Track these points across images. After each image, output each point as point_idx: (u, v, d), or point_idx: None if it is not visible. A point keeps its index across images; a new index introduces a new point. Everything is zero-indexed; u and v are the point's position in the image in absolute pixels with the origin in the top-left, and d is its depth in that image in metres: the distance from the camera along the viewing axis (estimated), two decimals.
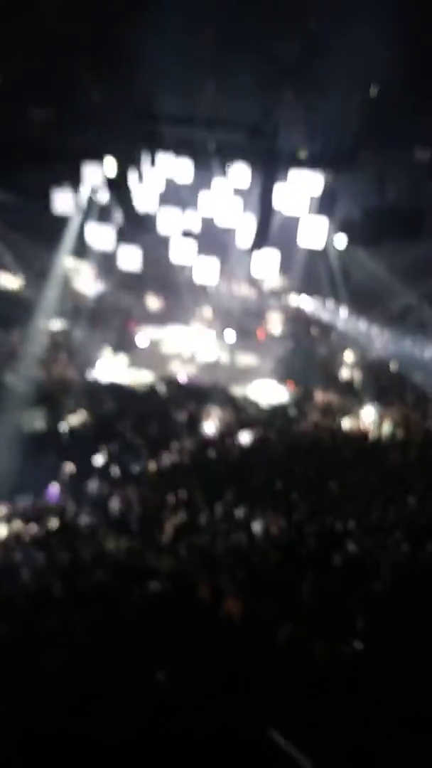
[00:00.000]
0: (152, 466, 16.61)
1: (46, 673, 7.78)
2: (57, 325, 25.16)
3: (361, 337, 26.24)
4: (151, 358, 25.83)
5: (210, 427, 19.31)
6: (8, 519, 13.63)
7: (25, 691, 7.48)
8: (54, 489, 15.43)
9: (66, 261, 24.82)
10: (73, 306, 26.06)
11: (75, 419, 18.68)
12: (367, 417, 20.67)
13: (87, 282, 27.86)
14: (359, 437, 19.41)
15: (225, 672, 7.84)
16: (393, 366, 24.83)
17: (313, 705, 7.34)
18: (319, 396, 22.43)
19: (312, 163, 18.44)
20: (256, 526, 12.80)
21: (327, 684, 7.71)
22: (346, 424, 20.31)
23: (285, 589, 10.46)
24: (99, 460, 16.58)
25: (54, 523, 13.32)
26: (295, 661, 8.17)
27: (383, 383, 23.16)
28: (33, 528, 13.16)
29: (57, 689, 7.35)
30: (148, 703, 7.18)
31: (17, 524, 13.35)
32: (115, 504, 14.17)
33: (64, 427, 18.09)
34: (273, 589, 10.52)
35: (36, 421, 18.17)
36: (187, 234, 21.49)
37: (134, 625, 8.94)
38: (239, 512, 13.39)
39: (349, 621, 9.23)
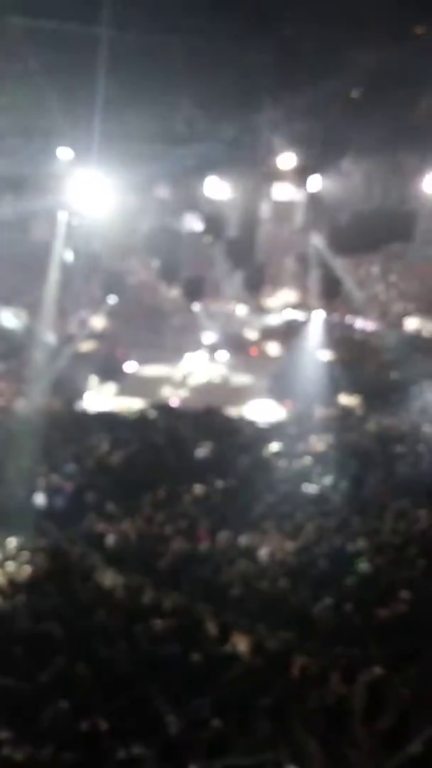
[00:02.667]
0: (149, 498, 15.95)
1: (48, 727, 7.24)
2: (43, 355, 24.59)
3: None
4: (141, 384, 25.24)
5: (204, 452, 18.68)
6: (1, 562, 12.97)
7: (27, 748, 6.96)
8: (47, 526, 14.77)
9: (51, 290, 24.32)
10: (60, 336, 25.52)
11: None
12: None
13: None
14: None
15: (237, 711, 7.35)
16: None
17: (332, 738, 7.00)
18: (320, 412, 21.84)
19: (296, 172, 18.09)
20: (263, 552, 12.23)
21: (345, 715, 7.26)
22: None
23: (297, 617, 10.00)
24: (92, 496, 15.91)
25: (49, 563, 12.67)
26: (310, 694, 7.71)
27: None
28: (27, 570, 12.51)
29: (61, 744, 6.84)
30: (160, 750, 6.77)
31: (10, 567, 12.70)
32: (111, 540, 13.55)
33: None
34: (285, 618, 10.04)
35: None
36: (171, 254, 21.06)
37: (139, 667, 8.41)
38: (243, 539, 12.80)
39: (366, 646, 8.80)
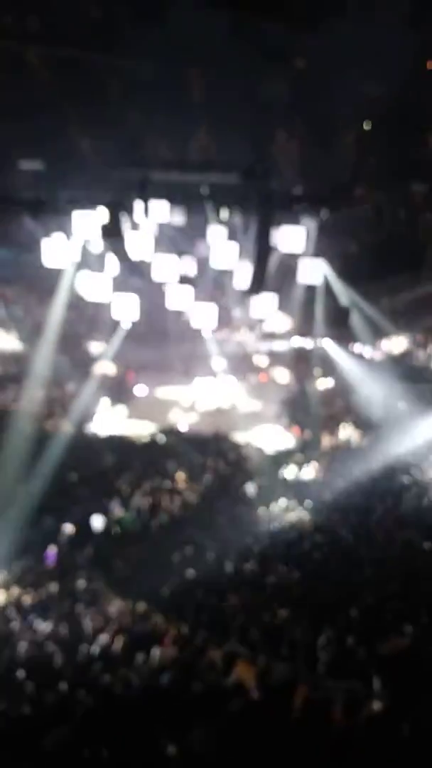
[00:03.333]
0: (155, 522, 15.97)
1: (49, 753, 7.20)
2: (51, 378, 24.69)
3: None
4: (151, 407, 25.25)
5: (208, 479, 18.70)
6: (6, 585, 12.95)
7: None
8: (52, 552, 14.73)
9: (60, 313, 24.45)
10: (69, 359, 25.61)
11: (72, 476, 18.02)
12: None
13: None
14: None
15: (238, 742, 7.29)
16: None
17: None
18: (326, 440, 21.79)
19: (308, 201, 18.24)
20: (270, 579, 12.17)
21: (347, 751, 7.16)
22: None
23: (299, 648, 9.91)
24: (98, 520, 15.87)
25: (53, 588, 12.65)
26: (311, 727, 7.63)
27: None
28: (31, 594, 12.48)
29: None
30: None
31: (15, 591, 12.68)
32: (117, 564, 13.54)
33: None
34: (287, 648, 9.96)
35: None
36: (183, 280, 21.17)
37: (140, 695, 8.36)
38: (249, 566, 12.75)
39: (367, 680, 8.70)
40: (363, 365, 24.82)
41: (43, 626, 11.17)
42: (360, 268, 18.97)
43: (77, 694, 8.40)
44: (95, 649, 10.12)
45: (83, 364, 25.93)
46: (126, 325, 23.25)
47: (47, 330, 23.29)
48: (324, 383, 25.85)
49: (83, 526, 15.61)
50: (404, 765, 6.78)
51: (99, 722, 7.85)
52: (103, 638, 10.34)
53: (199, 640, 9.96)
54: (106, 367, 25.90)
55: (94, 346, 27.60)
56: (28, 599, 12.26)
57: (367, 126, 16.72)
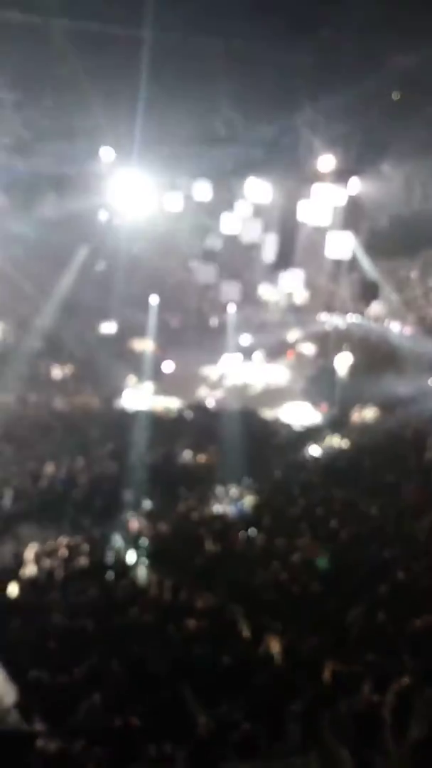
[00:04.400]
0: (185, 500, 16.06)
1: (81, 722, 7.32)
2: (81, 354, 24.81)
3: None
4: (178, 383, 25.28)
5: None
6: (38, 558, 13.12)
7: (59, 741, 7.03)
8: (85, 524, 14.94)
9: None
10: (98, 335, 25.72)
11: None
12: None
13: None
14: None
15: (268, 715, 7.35)
16: None
17: (362, 746, 6.84)
18: (356, 416, 21.65)
19: (335, 174, 18.02)
20: (296, 557, 12.18)
21: (375, 725, 7.19)
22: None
23: (329, 623, 9.93)
24: (129, 495, 16.02)
25: (85, 560, 12.79)
26: (341, 700, 7.66)
27: None
28: (64, 566, 12.64)
29: (92, 739, 6.90)
30: (190, 750, 6.72)
31: (47, 563, 12.85)
32: (147, 539, 13.63)
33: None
34: (316, 623, 9.97)
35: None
36: (210, 255, 21.10)
37: (172, 666, 8.44)
38: (279, 542, 12.77)
39: (397, 656, 8.69)
40: (392, 340, 24.61)
41: (75, 597, 11.31)
42: (390, 243, 18.70)
43: (109, 663, 8.47)
44: (127, 619, 10.21)
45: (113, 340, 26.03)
46: (154, 300, 23.29)
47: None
48: (351, 359, 25.64)
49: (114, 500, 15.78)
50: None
51: (130, 692, 7.96)
52: (135, 609, 10.44)
53: (230, 614, 10.03)
54: (143, 344, 25.97)
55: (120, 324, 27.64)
56: (60, 571, 12.41)
57: (395, 97, 16.40)
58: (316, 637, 9.35)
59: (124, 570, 12.39)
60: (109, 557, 13.10)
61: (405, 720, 7.18)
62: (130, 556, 12.97)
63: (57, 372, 24.12)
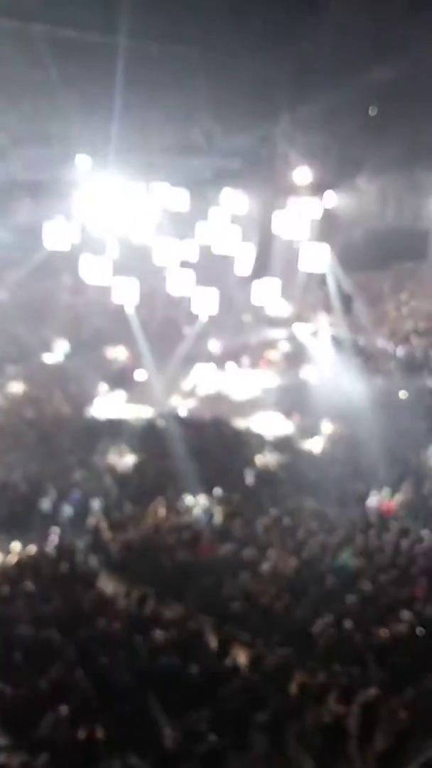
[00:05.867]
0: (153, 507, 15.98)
1: (45, 734, 7.23)
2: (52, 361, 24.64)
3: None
4: (151, 392, 25.19)
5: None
6: (3, 567, 12.97)
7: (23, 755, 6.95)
8: (52, 533, 14.77)
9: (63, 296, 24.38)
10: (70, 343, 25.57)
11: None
12: None
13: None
14: None
15: (234, 726, 7.33)
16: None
17: (328, 756, 7.02)
18: (327, 427, 21.69)
19: (311, 187, 18.15)
20: (265, 566, 12.19)
21: (341, 735, 7.21)
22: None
23: (297, 633, 9.94)
24: (97, 503, 15.91)
25: (52, 569, 12.66)
26: (307, 711, 7.66)
27: None
28: (30, 575, 12.49)
29: (57, 751, 6.83)
30: (155, 761, 6.78)
31: (13, 572, 12.70)
32: (115, 547, 13.55)
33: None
34: (285, 633, 9.98)
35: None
36: (184, 264, 21.08)
37: (138, 677, 8.38)
38: (247, 552, 12.77)
39: (364, 666, 8.73)
40: (362, 354, 24.75)
41: (42, 608, 11.18)
42: (363, 256, 18.86)
43: (74, 674, 8.40)
44: (93, 630, 10.12)
45: (85, 348, 25.89)
46: (129, 309, 23.17)
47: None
48: (322, 371, 25.74)
49: (82, 508, 15.67)
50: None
51: (95, 703, 7.89)
52: (101, 620, 10.35)
53: (197, 624, 9.99)
54: (117, 352, 25.88)
55: (96, 332, 27.52)
56: (27, 581, 12.26)
57: (372, 111, 16.57)
58: (283, 647, 9.37)
59: (91, 580, 12.30)
60: (76, 567, 12.97)
61: (370, 731, 7.22)
62: (98, 566, 12.89)
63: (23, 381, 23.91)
